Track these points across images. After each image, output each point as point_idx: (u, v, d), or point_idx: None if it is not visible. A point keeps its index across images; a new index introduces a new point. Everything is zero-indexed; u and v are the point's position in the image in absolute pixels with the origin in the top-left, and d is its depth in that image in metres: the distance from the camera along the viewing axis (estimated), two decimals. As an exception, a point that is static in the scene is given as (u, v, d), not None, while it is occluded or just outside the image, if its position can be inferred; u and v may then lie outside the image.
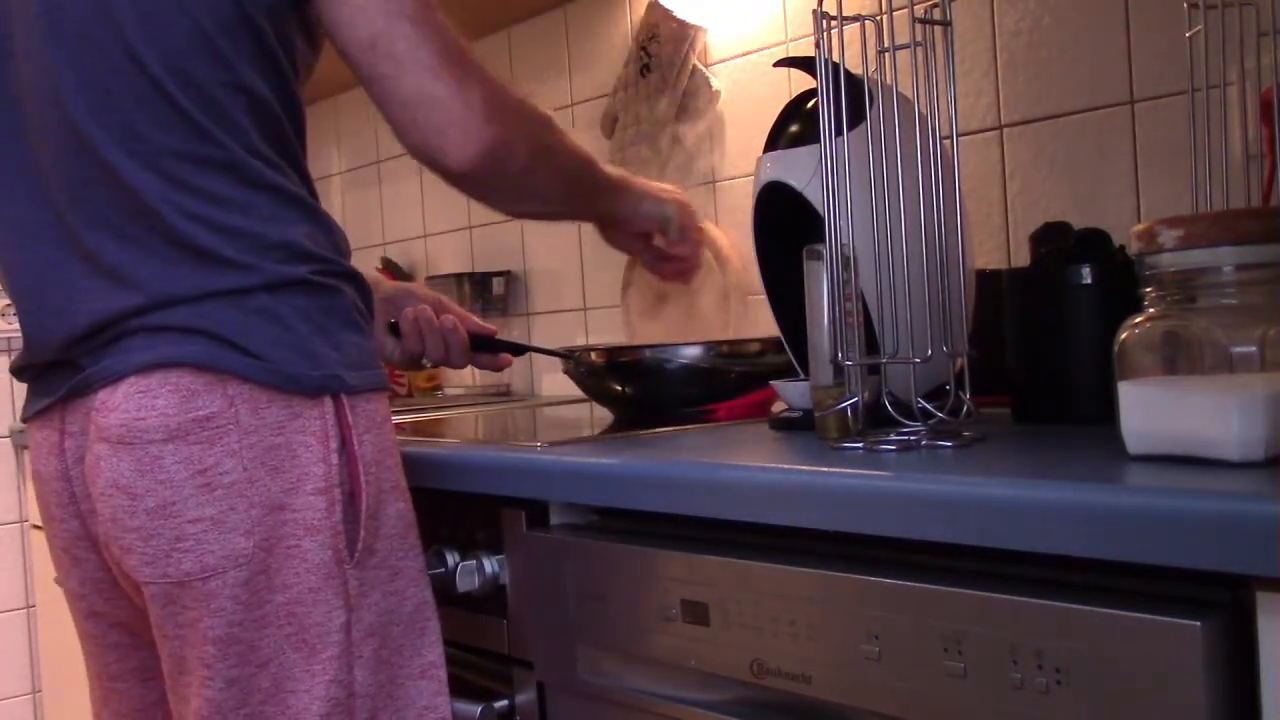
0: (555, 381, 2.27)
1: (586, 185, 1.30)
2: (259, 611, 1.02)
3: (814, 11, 1.12)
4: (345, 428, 1.05)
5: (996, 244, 1.53)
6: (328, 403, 1.04)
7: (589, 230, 2.17)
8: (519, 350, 1.61)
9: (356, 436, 1.05)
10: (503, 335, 1.60)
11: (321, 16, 1.06)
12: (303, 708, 1.03)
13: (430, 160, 1.08)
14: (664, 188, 1.49)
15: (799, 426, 1.22)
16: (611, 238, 1.49)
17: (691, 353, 1.47)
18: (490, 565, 1.26)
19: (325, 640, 1.03)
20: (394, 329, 1.40)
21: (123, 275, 1.03)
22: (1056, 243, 1.21)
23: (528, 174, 1.13)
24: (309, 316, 1.04)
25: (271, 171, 1.05)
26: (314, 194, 1.12)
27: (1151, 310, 0.88)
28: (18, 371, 1.14)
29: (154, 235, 1.02)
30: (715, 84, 1.89)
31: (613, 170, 1.39)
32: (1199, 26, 1.07)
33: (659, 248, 1.50)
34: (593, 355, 1.53)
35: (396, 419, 1.77)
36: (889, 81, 1.10)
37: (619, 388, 1.53)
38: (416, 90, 1.04)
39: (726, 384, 1.44)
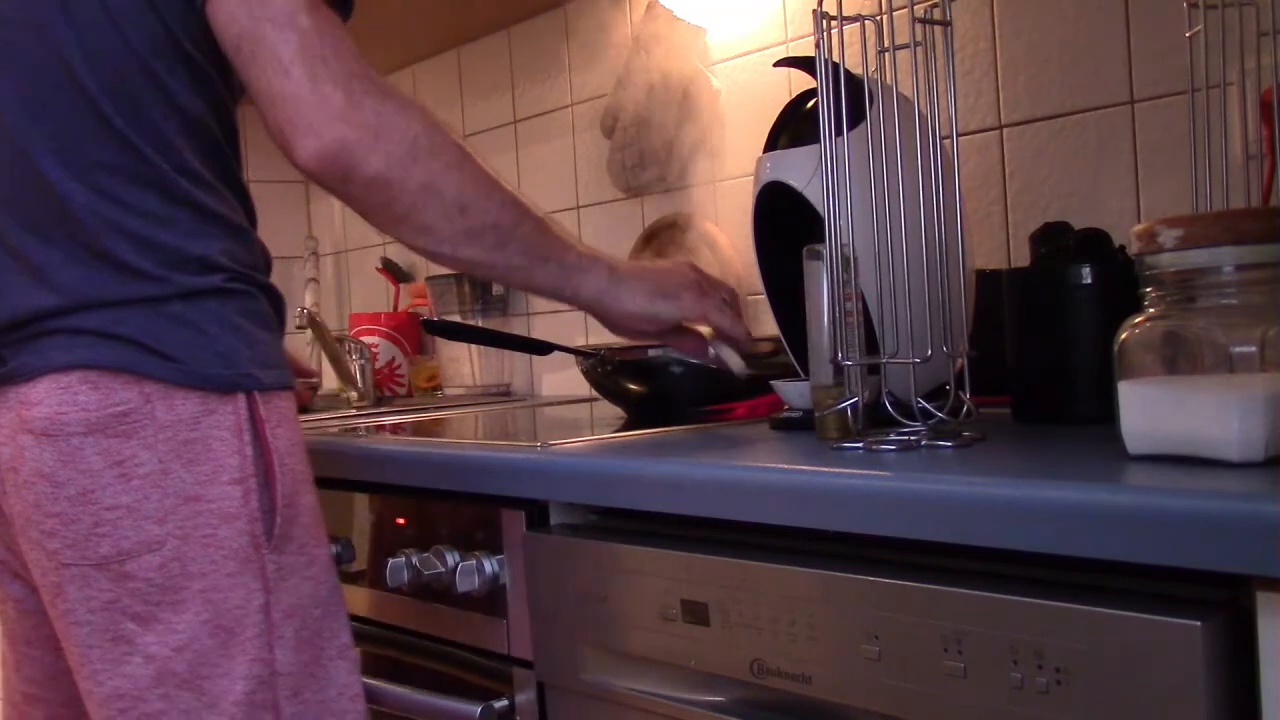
0: (555, 381, 2.27)
1: (528, 248, 1.19)
2: (175, 595, 1.06)
3: (814, 11, 1.12)
4: (258, 421, 1.10)
5: (996, 244, 1.53)
6: (241, 399, 1.09)
7: (589, 230, 2.17)
8: (544, 350, 1.61)
9: (269, 430, 1.11)
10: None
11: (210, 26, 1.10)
12: (222, 690, 1.07)
13: (286, 155, 1.14)
14: (676, 271, 1.31)
15: (799, 426, 1.22)
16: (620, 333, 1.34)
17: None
18: (490, 565, 1.26)
19: (244, 622, 1.08)
20: None
21: (46, 276, 1.08)
22: (1056, 243, 1.21)
23: (392, 191, 1.12)
24: (222, 319, 1.11)
25: (199, 190, 1.12)
26: (249, 207, 1.20)
27: (1151, 310, 0.88)
28: None
29: (77, 243, 1.08)
30: (715, 84, 1.89)
31: (595, 252, 1.25)
32: (1199, 26, 1.07)
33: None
34: (613, 354, 1.53)
35: (397, 419, 1.78)
36: (889, 81, 1.10)
37: (634, 387, 1.53)
38: (268, 87, 1.09)
39: (740, 384, 1.43)
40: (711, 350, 1.32)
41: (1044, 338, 1.17)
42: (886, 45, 1.10)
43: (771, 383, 1.30)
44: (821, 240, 1.12)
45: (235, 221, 1.16)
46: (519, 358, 2.33)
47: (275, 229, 3.14)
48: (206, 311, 1.10)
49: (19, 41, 1.09)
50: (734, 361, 1.31)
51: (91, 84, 1.07)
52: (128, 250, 1.08)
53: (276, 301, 1.19)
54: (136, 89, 1.08)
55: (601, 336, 2.13)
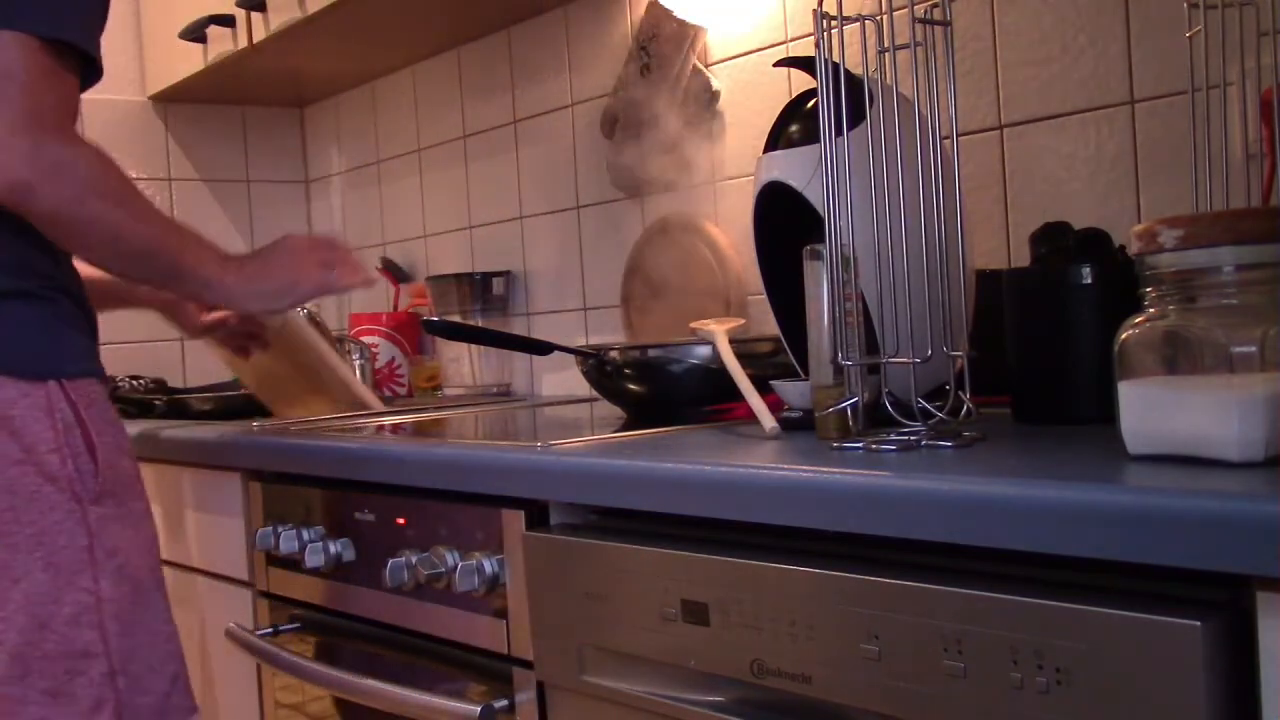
0: (555, 381, 2.27)
1: (169, 267, 1.42)
2: (9, 540, 1.31)
3: (814, 11, 1.12)
4: (70, 403, 1.34)
5: (996, 244, 1.53)
6: (52, 384, 1.34)
7: (589, 230, 2.18)
8: (544, 350, 1.61)
9: (83, 409, 1.35)
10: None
11: None
12: (51, 613, 1.33)
13: None
14: (284, 262, 1.53)
15: (799, 426, 1.22)
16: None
17: (704, 352, 1.47)
18: (490, 565, 1.26)
19: (71, 560, 1.33)
20: None
21: None
22: (1056, 243, 1.21)
23: (60, 223, 1.33)
24: (25, 321, 1.34)
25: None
26: None
27: (1151, 310, 0.88)
28: None
29: None
30: (715, 84, 1.89)
31: (223, 266, 1.46)
32: (1199, 26, 1.07)
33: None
34: (613, 354, 1.53)
35: (397, 419, 1.79)
36: (889, 81, 1.10)
37: (634, 387, 1.53)
38: None
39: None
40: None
41: (1044, 338, 1.17)
42: (886, 45, 1.10)
43: (771, 383, 1.30)
44: (821, 240, 1.12)
45: (45, 252, 1.37)
46: (519, 358, 2.33)
47: (275, 229, 3.16)
48: (13, 313, 1.34)
49: None
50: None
51: None
52: None
53: (81, 301, 1.42)
54: None
55: (602, 336, 2.14)
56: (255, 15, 2.25)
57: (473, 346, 2.31)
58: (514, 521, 1.24)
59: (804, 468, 0.95)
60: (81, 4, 1.35)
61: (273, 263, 1.51)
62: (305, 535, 1.56)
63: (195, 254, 1.44)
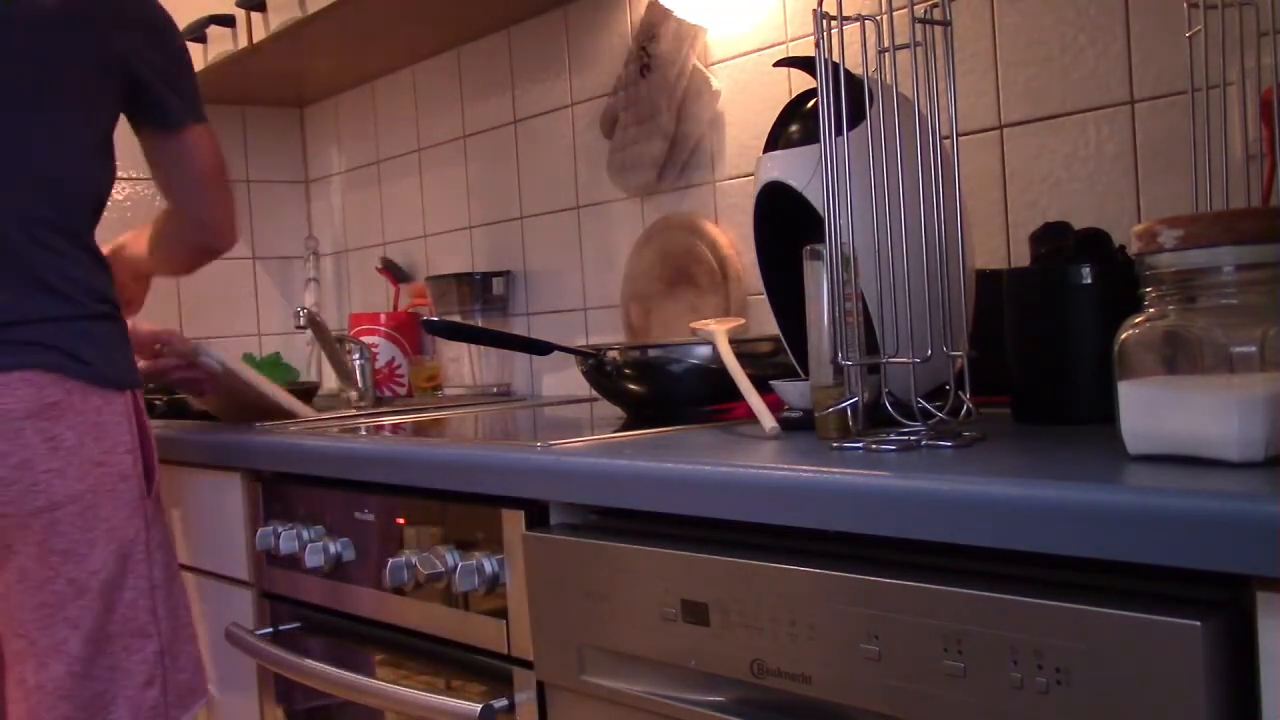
0: (555, 381, 2.27)
1: None
2: (90, 534, 1.49)
3: (814, 11, 1.12)
4: (138, 411, 1.57)
5: (996, 244, 1.53)
6: (129, 395, 1.55)
7: (589, 230, 2.18)
8: (544, 350, 1.61)
9: (143, 418, 1.58)
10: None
11: None
12: (117, 598, 1.51)
13: None
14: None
15: (799, 426, 1.22)
16: None
17: (704, 353, 1.47)
18: (490, 565, 1.26)
19: (135, 550, 1.53)
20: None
21: None
22: (1056, 243, 1.21)
23: None
24: (110, 338, 1.55)
25: (90, 241, 1.58)
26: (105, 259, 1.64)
27: (1151, 310, 0.88)
28: None
29: (15, 274, 1.49)
30: (715, 84, 1.89)
31: None
32: (1199, 26, 1.07)
33: None
34: (613, 354, 1.53)
35: (397, 419, 1.80)
36: (889, 81, 1.10)
37: (634, 387, 1.53)
38: None
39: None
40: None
41: (1044, 338, 1.17)
42: (886, 45, 1.10)
43: (771, 383, 1.30)
44: (821, 240, 1.12)
45: (107, 261, 1.62)
46: (519, 358, 2.33)
47: (275, 229, 3.17)
48: (102, 332, 1.54)
49: None
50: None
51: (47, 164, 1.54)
52: (55, 279, 1.50)
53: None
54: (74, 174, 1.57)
55: (602, 336, 2.14)
56: (255, 15, 2.25)
57: (473, 346, 2.31)
58: (514, 521, 1.24)
59: (804, 468, 0.95)
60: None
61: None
62: (305, 535, 1.56)
63: None
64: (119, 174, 1.65)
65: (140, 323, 1.81)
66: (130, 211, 2.49)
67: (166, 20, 1.63)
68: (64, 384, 1.47)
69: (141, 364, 1.77)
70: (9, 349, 1.46)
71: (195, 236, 1.71)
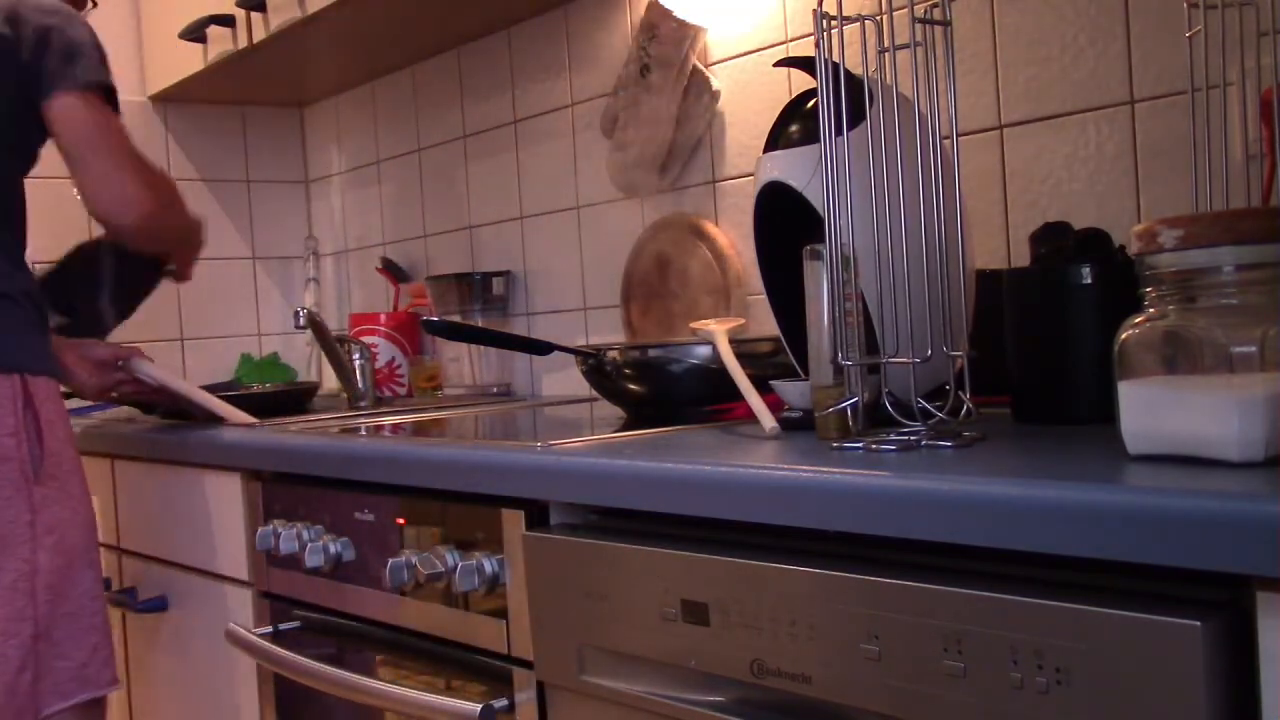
0: (555, 381, 2.27)
1: None
2: None
3: (814, 11, 1.12)
4: (30, 396, 1.56)
5: (996, 244, 1.53)
6: (15, 378, 1.55)
7: (589, 230, 2.18)
8: (544, 350, 1.61)
9: (38, 401, 1.57)
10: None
11: None
12: None
13: None
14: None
15: (799, 426, 1.22)
16: None
17: (704, 353, 1.47)
18: (490, 565, 1.26)
19: (14, 534, 1.53)
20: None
21: None
22: (1056, 243, 1.21)
23: None
24: (1, 322, 1.57)
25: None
26: (24, 239, 1.69)
27: (1151, 310, 0.88)
28: None
29: None
30: (715, 84, 1.89)
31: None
32: (1199, 26, 1.07)
33: None
34: (613, 354, 1.53)
35: (396, 419, 1.80)
36: (889, 81, 1.10)
37: (634, 387, 1.53)
38: None
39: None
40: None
41: (1044, 338, 1.17)
42: (886, 45, 1.10)
43: (771, 383, 1.30)
44: (821, 240, 1.12)
45: (15, 253, 1.65)
46: (519, 358, 2.33)
47: (275, 229, 3.16)
48: None
49: None
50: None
51: None
52: None
53: (40, 308, 1.66)
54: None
55: (602, 336, 2.14)
56: (255, 15, 2.25)
57: (473, 346, 2.31)
58: (514, 521, 1.24)
59: (804, 468, 0.95)
60: (102, 50, 1.66)
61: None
62: (305, 535, 1.56)
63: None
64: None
65: (97, 345, 1.87)
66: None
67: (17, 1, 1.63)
68: None
69: (95, 382, 1.84)
70: None
71: (92, 213, 1.66)
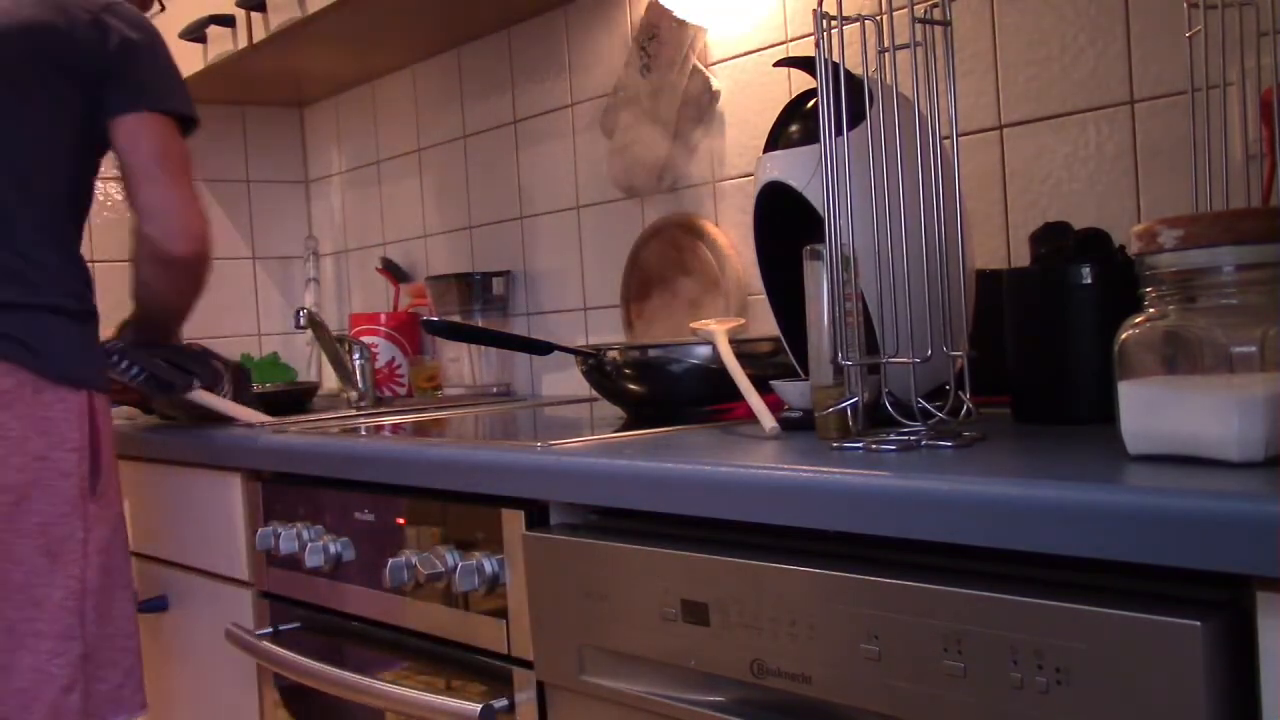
0: (555, 381, 2.27)
1: None
2: (19, 525, 1.49)
3: (814, 11, 1.12)
4: (94, 412, 1.57)
5: (996, 244, 1.53)
6: (84, 395, 1.55)
7: (589, 230, 2.18)
8: (544, 350, 1.61)
9: (99, 419, 1.57)
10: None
11: None
12: (44, 595, 1.51)
13: None
14: None
15: (799, 426, 1.22)
16: None
17: (704, 353, 1.47)
18: (490, 565, 1.26)
19: (67, 550, 1.52)
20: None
21: None
22: (1056, 243, 1.21)
23: None
24: (75, 337, 1.57)
25: (69, 239, 1.64)
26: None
27: (1151, 310, 0.88)
28: None
29: None
30: (715, 84, 1.89)
31: None
32: (1199, 26, 1.07)
33: None
34: (613, 354, 1.53)
35: (397, 419, 1.80)
36: (889, 81, 1.10)
37: (634, 387, 1.53)
38: None
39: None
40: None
41: (1044, 338, 1.17)
42: (886, 45, 1.10)
43: (771, 383, 1.30)
44: (821, 240, 1.12)
45: (86, 272, 1.65)
46: (519, 358, 2.33)
47: (275, 229, 3.16)
48: (67, 328, 1.56)
49: None
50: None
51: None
52: (23, 268, 1.53)
53: (99, 330, 1.67)
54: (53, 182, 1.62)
55: (602, 336, 2.14)
56: (255, 15, 2.25)
57: (473, 346, 2.31)
58: (514, 521, 1.24)
59: (804, 468, 0.95)
60: (181, 79, 1.70)
61: None
62: (305, 535, 1.56)
63: None
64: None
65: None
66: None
67: (109, 5, 1.64)
68: (16, 374, 1.49)
69: None
70: None
71: (143, 230, 1.64)
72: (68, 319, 1.57)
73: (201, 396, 1.88)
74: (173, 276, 1.69)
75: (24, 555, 1.49)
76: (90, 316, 1.62)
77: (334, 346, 2.27)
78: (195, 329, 2.77)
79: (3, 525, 1.48)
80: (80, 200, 1.68)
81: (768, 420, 1.22)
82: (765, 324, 1.41)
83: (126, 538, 1.63)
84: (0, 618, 1.49)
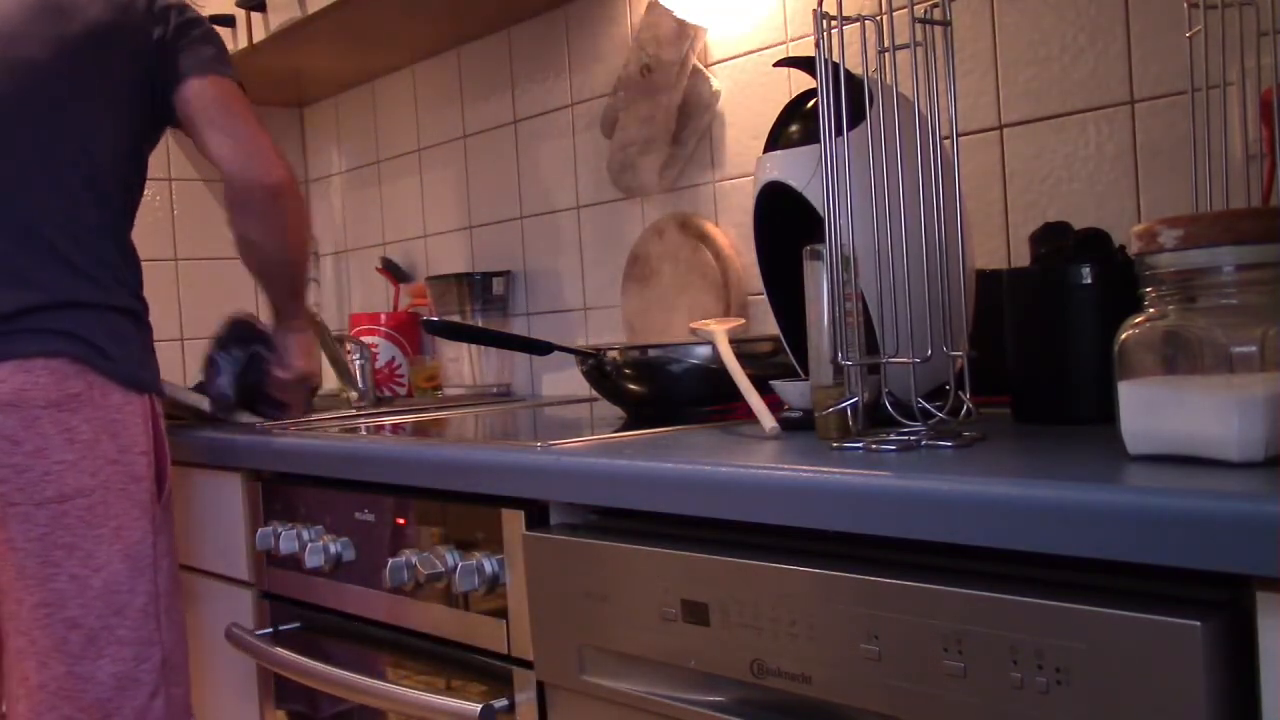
0: (555, 381, 2.27)
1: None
2: (96, 531, 1.48)
3: (814, 11, 1.12)
4: (155, 416, 1.58)
5: (996, 244, 1.53)
6: (148, 398, 1.56)
7: (589, 230, 2.18)
8: (544, 350, 1.61)
9: (160, 424, 1.59)
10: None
11: None
12: (126, 602, 1.50)
13: None
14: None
15: (799, 426, 1.22)
16: None
17: (704, 352, 1.47)
18: (490, 565, 1.26)
19: (142, 555, 1.52)
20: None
21: (28, 279, 1.51)
22: (1056, 243, 1.21)
23: None
24: (135, 339, 1.57)
25: (124, 236, 1.63)
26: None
27: (1151, 310, 0.88)
28: None
29: (46, 258, 1.52)
30: (715, 84, 1.89)
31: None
32: (1199, 26, 1.07)
33: None
34: (613, 354, 1.53)
35: (397, 419, 1.80)
36: (889, 81, 1.10)
37: (634, 387, 1.53)
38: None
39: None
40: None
41: (1044, 338, 1.17)
42: (886, 45, 1.10)
43: (771, 383, 1.30)
44: (821, 240, 1.12)
45: (139, 264, 1.65)
46: (519, 358, 2.33)
47: (275, 229, 3.11)
48: (128, 329, 1.56)
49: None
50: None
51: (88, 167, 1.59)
52: (86, 264, 1.53)
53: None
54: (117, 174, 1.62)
55: (602, 336, 2.14)
56: (255, 15, 2.25)
57: (473, 346, 2.31)
58: (514, 521, 1.24)
59: (804, 468, 0.95)
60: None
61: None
62: (305, 535, 1.56)
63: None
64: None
65: None
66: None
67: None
68: (86, 376, 1.49)
69: None
70: (37, 336, 1.47)
71: (224, 174, 1.63)
72: (134, 320, 1.58)
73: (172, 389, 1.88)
74: (264, 218, 1.64)
75: (103, 561, 1.49)
76: (146, 314, 1.63)
77: (334, 346, 2.27)
78: (196, 329, 2.78)
79: (80, 531, 1.47)
80: (135, 194, 1.69)
81: (768, 420, 1.22)
82: (765, 324, 1.41)
83: (177, 546, 1.65)
84: (81, 625, 1.48)
